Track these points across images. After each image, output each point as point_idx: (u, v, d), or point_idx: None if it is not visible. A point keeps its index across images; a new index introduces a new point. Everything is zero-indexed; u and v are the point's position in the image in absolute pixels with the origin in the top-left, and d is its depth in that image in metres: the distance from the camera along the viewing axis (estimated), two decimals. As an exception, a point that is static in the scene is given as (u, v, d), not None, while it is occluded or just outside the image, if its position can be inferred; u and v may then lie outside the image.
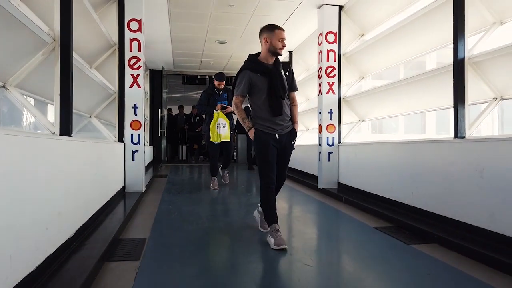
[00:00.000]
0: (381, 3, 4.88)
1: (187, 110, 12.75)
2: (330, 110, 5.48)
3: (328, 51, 5.46)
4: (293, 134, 2.99)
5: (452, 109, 3.19)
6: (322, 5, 5.46)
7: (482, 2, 3.13)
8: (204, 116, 6.09)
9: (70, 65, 2.70)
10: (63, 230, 2.37)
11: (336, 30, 5.50)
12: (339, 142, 5.51)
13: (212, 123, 5.41)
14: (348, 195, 4.71)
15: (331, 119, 5.47)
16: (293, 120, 3.02)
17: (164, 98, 10.37)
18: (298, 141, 3.30)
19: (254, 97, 2.90)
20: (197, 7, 5.68)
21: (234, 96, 2.96)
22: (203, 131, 5.75)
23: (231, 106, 5.41)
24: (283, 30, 2.83)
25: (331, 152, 5.46)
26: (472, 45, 3.17)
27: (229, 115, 5.58)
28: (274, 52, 2.82)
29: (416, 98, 4.29)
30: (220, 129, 5.41)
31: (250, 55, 2.97)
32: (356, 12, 5.42)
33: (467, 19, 3.11)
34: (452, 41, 3.18)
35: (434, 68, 3.88)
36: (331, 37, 5.47)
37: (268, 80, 2.82)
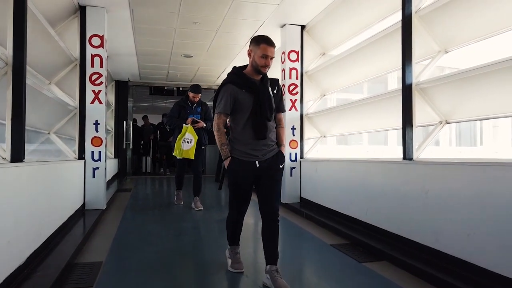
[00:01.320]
0: (340, 25, 5.08)
1: (154, 119, 12.60)
2: (293, 126, 5.61)
3: (290, 69, 5.61)
4: (280, 157, 2.61)
5: (401, 131, 3.37)
6: (285, 25, 5.62)
7: (428, 32, 3.35)
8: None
9: (23, 89, 2.65)
10: (13, 258, 2.32)
11: (298, 49, 5.67)
12: (301, 157, 5.64)
13: (179, 136, 5.07)
14: (309, 211, 4.83)
15: (293, 135, 5.60)
16: (279, 142, 2.67)
17: (130, 110, 10.26)
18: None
19: (236, 116, 2.52)
20: (161, 24, 5.69)
21: (215, 114, 2.55)
22: (171, 144, 5.39)
23: (204, 121, 5.19)
24: (271, 46, 2.41)
25: (294, 168, 5.59)
26: (419, 72, 3.37)
27: (199, 131, 5.16)
28: (256, 69, 2.45)
29: (369, 118, 4.49)
30: (185, 145, 5.03)
31: (234, 67, 2.60)
32: (318, 32, 5.61)
33: (415, 47, 3.31)
34: (401, 68, 3.36)
35: (384, 92, 4.09)
36: (293, 56, 5.63)
37: (254, 97, 2.45)
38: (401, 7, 3.37)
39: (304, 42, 5.73)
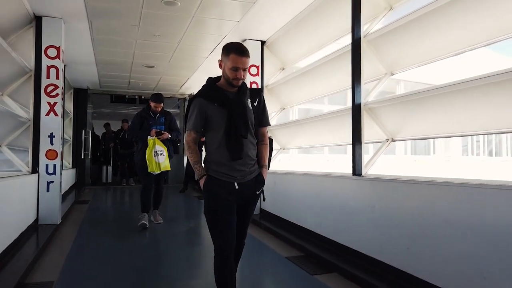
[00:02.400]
0: (298, 42, 5.28)
1: (117, 125, 12.22)
2: (253, 139, 5.72)
3: (251, 83, 5.73)
4: (259, 181, 2.24)
5: (351, 147, 3.56)
6: (245, 40, 5.74)
7: (375, 56, 3.57)
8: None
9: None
10: (-44, 282, 2.26)
11: (259, 63, 5.81)
12: (261, 169, 5.76)
13: (148, 151, 4.66)
14: (268, 222, 4.95)
15: (253, 147, 5.71)
16: (260, 162, 2.28)
17: (89, 118, 10.01)
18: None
19: (209, 133, 2.22)
20: (121, 35, 5.66)
21: (186, 131, 2.27)
22: (135, 159, 5.01)
23: (168, 132, 4.91)
24: (242, 56, 2.09)
25: (254, 180, 5.68)
26: (367, 92, 3.58)
27: (166, 142, 4.88)
28: (228, 81, 2.15)
29: (325, 133, 4.69)
30: (159, 157, 4.69)
31: (209, 79, 2.29)
32: (278, 48, 5.79)
33: (363, 69, 3.51)
34: (351, 88, 3.56)
35: (336, 110, 4.29)
36: (254, 70, 5.76)
37: (227, 113, 2.14)
38: (351, 31, 3.57)
39: (265, 57, 5.89)
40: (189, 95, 11.04)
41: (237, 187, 2.16)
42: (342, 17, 3.99)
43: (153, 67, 7.62)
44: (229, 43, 2.19)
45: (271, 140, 2.43)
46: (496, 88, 2.44)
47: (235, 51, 2.10)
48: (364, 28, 3.57)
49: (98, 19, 4.98)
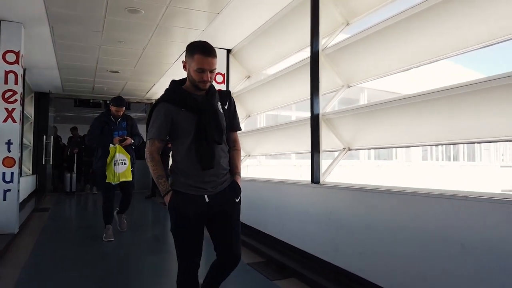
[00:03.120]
0: (263, 52, 5.41)
1: (83, 130, 11.83)
2: (218, 146, 5.78)
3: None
4: (234, 189, 2.09)
5: (310, 156, 3.70)
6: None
7: (333, 68, 3.74)
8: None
9: None
10: None
11: (224, 71, 5.89)
12: (226, 176, 5.83)
13: (108, 159, 4.44)
14: (232, 229, 5.01)
15: (219, 154, 5.78)
16: (233, 170, 2.13)
17: (51, 123, 9.73)
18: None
19: (176, 141, 2.03)
20: (84, 41, 5.58)
21: (147, 140, 2.05)
22: (94, 167, 4.73)
23: (131, 137, 4.65)
24: (208, 56, 1.91)
25: (219, 186, 5.74)
26: (325, 103, 3.75)
27: (128, 148, 4.65)
28: (194, 84, 1.97)
29: (287, 141, 4.83)
30: (118, 167, 4.44)
31: (172, 82, 2.10)
32: (243, 57, 5.89)
33: (322, 81, 3.67)
34: (310, 99, 3.71)
35: (296, 120, 4.44)
36: (219, 78, 5.82)
37: (196, 118, 1.97)
38: (310, 44, 3.73)
39: (230, 65, 5.98)
40: (156, 100, 10.92)
41: (207, 200, 1.99)
42: (304, 30, 4.15)
43: (118, 72, 7.54)
44: (194, 42, 1.99)
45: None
46: (438, 103, 2.64)
47: (200, 51, 1.90)
48: (322, 42, 3.73)
49: (60, 25, 4.90)
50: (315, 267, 3.30)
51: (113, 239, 4.52)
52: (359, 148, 3.78)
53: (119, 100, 4.68)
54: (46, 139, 8.92)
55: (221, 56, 5.85)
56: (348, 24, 3.79)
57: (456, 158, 17.61)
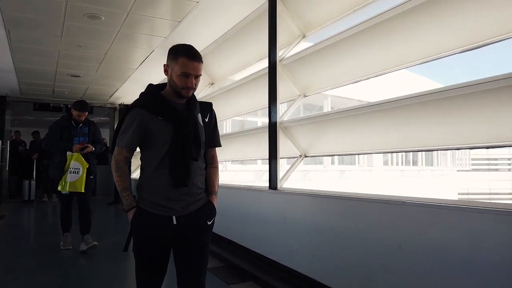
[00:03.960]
0: (226, 59, 5.51)
1: (42, 133, 11.42)
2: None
3: (179, 97, 5.84)
4: (209, 210, 1.88)
5: (268, 163, 3.82)
6: (174, 54, 5.84)
7: (290, 78, 3.89)
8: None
9: None
10: None
11: (187, 78, 5.93)
12: (189, 182, 5.86)
13: (65, 167, 4.17)
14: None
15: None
16: (210, 189, 1.93)
17: (7, 128, 9.38)
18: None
19: (148, 151, 1.83)
20: (43, 45, 5.47)
21: (115, 148, 1.83)
22: (50, 173, 4.41)
23: (92, 144, 4.37)
24: (193, 60, 1.75)
25: (181, 192, 5.77)
26: (282, 112, 3.89)
27: (89, 156, 4.34)
28: (176, 90, 1.78)
29: (249, 147, 4.95)
30: (70, 176, 4.12)
31: (150, 86, 1.89)
32: (207, 63, 5.93)
33: (279, 90, 3.80)
34: (268, 107, 3.83)
35: (255, 127, 4.56)
36: (182, 84, 5.87)
37: (173, 128, 1.77)
38: (268, 54, 3.86)
39: (194, 72, 6.02)
40: (119, 105, 10.80)
41: (175, 222, 1.77)
42: (264, 41, 4.28)
43: (79, 76, 7.40)
44: (178, 45, 1.82)
45: None
46: (385, 113, 2.84)
47: (185, 54, 1.74)
48: (280, 53, 3.88)
49: (17, 28, 4.79)
50: (272, 271, 3.40)
51: (71, 247, 4.36)
52: (315, 155, 3.94)
53: (81, 104, 4.36)
54: (2, 144, 8.58)
55: (184, 62, 5.89)
56: (304, 36, 3.96)
57: (415, 163, 18.42)
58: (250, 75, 4.54)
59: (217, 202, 1.94)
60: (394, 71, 3.10)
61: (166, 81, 1.84)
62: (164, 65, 1.81)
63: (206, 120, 1.93)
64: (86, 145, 4.29)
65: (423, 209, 2.16)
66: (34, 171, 9.65)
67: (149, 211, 1.78)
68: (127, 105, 10.50)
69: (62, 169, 4.19)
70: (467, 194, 22.38)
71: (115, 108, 11.08)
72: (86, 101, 4.54)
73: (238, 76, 5.30)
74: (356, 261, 2.58)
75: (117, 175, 1.81)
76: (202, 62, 1.79)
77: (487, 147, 2.33)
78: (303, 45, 3.88)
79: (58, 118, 4.60)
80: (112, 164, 1.82)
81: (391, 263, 2.32)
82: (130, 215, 1.79)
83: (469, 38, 2.35)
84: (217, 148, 2.02)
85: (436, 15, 2.52)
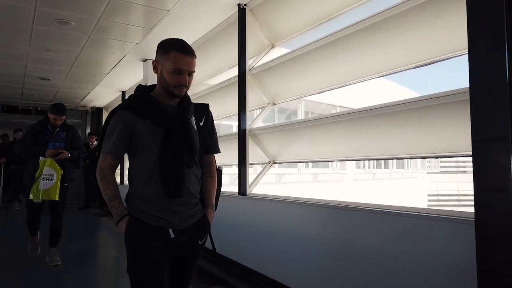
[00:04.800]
0: (199, 65, 5.53)
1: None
2: (153, 157, 5.82)
3: (152, 102, 5.84)
4: (203, 226, 1.73)
5: (237, 169, 3.91)
6: (147, 59, 5.86)
7: (259, 87, 4.00)
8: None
9: None
10: None
11: (160, 83, 5.95)
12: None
13: (37, 173, 3.87)
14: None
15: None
16: (205, 201, 1.77)
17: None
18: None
19: (136, 160, 1.66)
20: (10, 48, 5.36)
21: (101, 155, 1.66)
22: (24, 182, 4.08)
23: (69, 150, 4.07)
24: (186, 54, 1.60)
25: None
26: (256, 117, 4.00)
27: (65, 163, 4.02)
28: (167, 89, 1.62)
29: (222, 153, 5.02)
30: (43, 183, 3.83)
31: (139, 87, 1.75)
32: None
33: (249, 98, 3.91)
34: (237, 115, 3.92)
35: (225, 134, 4.65)
36: (155, 90, 5.89)
37: (164, 133, 1.61)
38: (237, 63, 3.96)
39: (165, 77, 6.04)
40: (91, 108, 10.65)
41: (172, 235, 1.61)
42: (234, 49, 4.38)
43: (49, 79, 7.28)
44: (168, 39, 1.66)
45: (219, 172, 1.91)
46: (345, 124, 2.98)
47: (177, 48, 1.59)
48: (250, 62, 3.98)
49: (-18, 31, 4.70)
50: (242, 275, 3.49)
51: (38, 252, 4.14)
52: (283, 162, 4.06)
53: (58, 108, 4.02)
54: (-34, 148, 8.30)
55: (157, 68, 5.91)
56: (273, 46, 4.09)
57: (387, 166, 18.93)
58: (221, 82, 4.63)
59: (213, 216, 1.78)
60: (356, 83, 3.25)
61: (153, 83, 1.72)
62: (153, 61, 1.65)
63: (201, 124, 1.75)
64: (60, 151, 3.96)
65: (377, 215, 2.30)
66: (2, 176, 9.31)
67: (143, 220, 1.60)
68: (100, 108, 10.40)
69: (34, 176, 3.91)
70: (436, 195, 23.22)
71: (87, 111, 10.92)
72: (58, 103, 4.17)
73: (213, 81, 5.37)
74: (318, 264, 2.70)
75: (102, 184, 1.63)
76: (195, 56, 1.63)
77: (437, 157, 2.51)
78: (273, 54, 4.00)
79: (28, 120, 4.50)
80: (96, 172, 1.65)
81: (348, 265, 2.45)
82: (123, 224, 1.58)
83: (424, 54, 2.51)
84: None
85: (394, 33, 2.69)
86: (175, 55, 1.58)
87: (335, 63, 3.27)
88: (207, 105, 1.86)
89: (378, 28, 2.70)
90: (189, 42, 5.26)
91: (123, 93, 8.30)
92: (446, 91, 2.04)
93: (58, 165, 3.92)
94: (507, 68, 1.51)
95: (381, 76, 3.07)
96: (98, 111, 10.45)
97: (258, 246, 3.40)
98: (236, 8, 3.90)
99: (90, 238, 5.98)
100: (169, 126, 1.62)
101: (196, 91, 5.53)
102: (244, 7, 3.86)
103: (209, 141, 1.80)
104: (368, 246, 2.31)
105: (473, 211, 1.62)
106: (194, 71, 1.64)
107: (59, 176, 3.91)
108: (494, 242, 1.53)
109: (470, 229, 1.63)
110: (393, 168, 18.96)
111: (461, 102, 1.84)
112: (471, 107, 1.61)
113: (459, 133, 2.04)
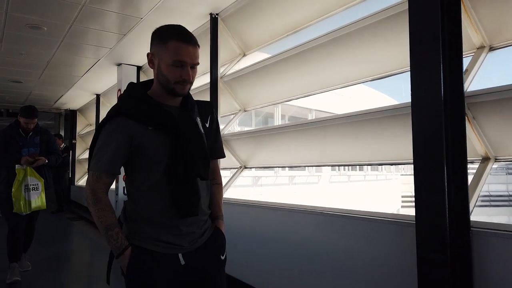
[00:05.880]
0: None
1: None
2: (127, 161, 5.84)
3: (126, 107, 5.87)
4: (219, 241, 1.53)
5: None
6: (121, 64, 5.88)
7: (231, 94, 4.12)
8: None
9: None
10: None
11: (135, 87, 5.97)
12: (116, 194, 5.88)
13: (15, 184, 3.57)
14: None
15: (128, 170, 5.82)
16: (215, 212, 1.56)
17: None
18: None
19: (139, 175, 1.38)
20: (-20, 50, 5.31)
21: (89, 173, 1.37)
22: None
23: (46, 155, 3.82)
24: (189, 43, 1.32)
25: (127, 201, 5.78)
26: (224, 125, 4.11)
27: (42, 169, 3.81)
28: (167, 87, 1.35)
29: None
30: (30, 194, 3.61)
31: (132, 85, 1.47)
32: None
33: (220, 105, 4.02)
34: (210, 121, 4.03)
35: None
36: (129, 94, 5.91)
37: (170, 141, 1.35)
38: (209, 71, 4.07)
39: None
40: (65, 110, 10.50)
41: (183, 262, 1.37)
42: (207, 57, 4.48)
43: (21, 82, 7.18)
44: (164, 26, 1.38)
45: None
46: (308, 132, 3.14)
47: (177, 36, 1.31)
48: (222, 70, 4.10)
49: (-49, 34, 4.63)
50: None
51: (19, 279, 3.61)
52: (253, 167, 4.20)
53: (29, 111, 3.76)
54: None
55: (131, 72, 5.95)
56: (245, 55, 4.21)
57: (361, 168, 19.39)
58: (193, 89, 4.71)
59: (224, 225, 1.57)
60: (320, 92, 3.42)
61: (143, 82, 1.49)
62: (148, 54, 1.38)
63: (207, 125, 1.50)
64: (37, 157, 3.70)
65: (338, 219, 2.46)
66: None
67: (148, 248, 1.33)
68: (74, 110, 10.27)
69: (9, 185, 3.60)
70: (410, 196, 23.90)
71: (60, 114, 10.78)
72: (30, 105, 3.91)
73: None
74: (282, 264, 2.84)
75: (96, 209, 1.31)
76: (198, 46, 1.36)
77: (384, 164, 2.69)
78: (244, 62, 4.13)
79: (1, 121, 4.26)
80: (86, 194, 1.34)
81: (308, 264, 2.60)
82: (125, 259, 1.30)
83: (377, 69, 2.70)
84: None
85: (353, 47, 2.87)
86: (175, 45, 1.30)
87: (301, 72, 3.42)
88: (210, 104, 1.59)
89: (339, 42, 2.87)
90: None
91: (98, 96, 8.25)
92: (391, 105, 2.22)
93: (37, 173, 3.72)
94: (441, 87, 1.69)
95: (342, 87, 3.24)
96: (72, 113, 10.33)
97: (228, 249, 3.49)
98: (209, 17, 4.01)
99: (63, 242, 5.93)
100: (178, 132, 1.35)
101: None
102: (216, 16, 3.98)
103: (214, 145, 1.55)
104: (327, 248, 2.46)
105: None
106: (198, 63, 1.36)
107: (43, 184, 3.77)
108: (430, 242, 1.70)
109: (412, 230, 1.80)
110: (367, 170, 19.43)
111: (406, 115, 2.02)
112: (412, 121, 1.78)
113: (406, 143, 2.22)
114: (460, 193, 1.69)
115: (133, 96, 1.39)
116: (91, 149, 1.39)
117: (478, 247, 1.68)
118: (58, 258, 4.83)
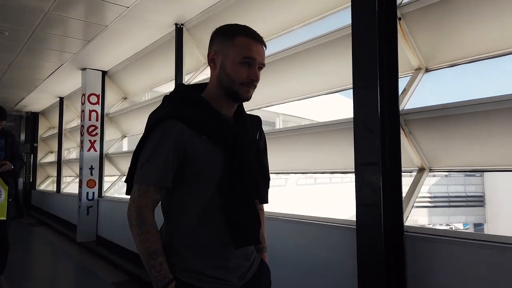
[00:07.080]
0: (138, 77, 5.66)
1: None
2: (91, 166, 5.81)
3: (90, 111, 5.84)
4: (265, 275, 1.33)
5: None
6: (85, 69, 5.84)
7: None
8: None
9: None
10: None
11: (99, 92, 5.95)
12: (99, 196, 5.87)
13: None
14: (104, 249, 5.11)
15: (91, 174, 5.80)
16: (260, 242, 1.30)
17: None
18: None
19: (184, 192, 1.17)
20: None
21: (134, 186, 1.15)
22: None
23: (10, 160, 3.55)
24: (259, 41, 1.18)
25: (91, 206, 5.75)
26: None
27: (5, 175, 3.50)
28: (230, 89, 1.18)
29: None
30: None
31: (184, 87, 1.31)
32: (119, 79, 6.04)
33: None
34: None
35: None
36: (93, 99, 5.89)
37: (225, 154, 1.17)
38: (174, 79, 4.15)
39: (106, 86, 6.06)
40: (26, 113, 10.20)
41: None
42: (172, 64, 4.57)
43: (-20, 84, 6.96)
44: (229, 24, 1.25)
45: None
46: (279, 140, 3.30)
47: (246, 32, 1.19)
48: (187, 77, 4.20)
49: None
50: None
51: None
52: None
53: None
54: None
55: (96, 77, 5.93)
56: (209, 64, 4.33)
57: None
58: (159, 96, 4.79)
59: (267, 255, 1.39)
60: (289, 102, 3.57)
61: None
62: (210, 53, 1.21)
63: (257, 137, 1.34)
64: (3, 162, 3.45)
65: (292, 224, 2.62)
66: None
67: (193, 284, 1.14)
68: (36, 112, 9.98)
69: None
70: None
71: (21, 116, 10.46)
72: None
73: (151, 95, 5.50)
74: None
75: (140, 232, 1.10)
76: (266, 47, 1.23)
77: (327, 172, 2.88)
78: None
79: None
80: (130, 213, 1.13)
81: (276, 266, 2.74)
82: None
83: (330, 83, 2.90)
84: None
85: (311, 62, 3.06)
86: (244, 41, 1.16)
87: (264, 84, 3.57)
88: (259, 119, 1.39)
89: (298, 57, 3.05)
90: (127, 55, 5.40)
91: (61, 99, 8.10)
92: (334, 120, 2.42)
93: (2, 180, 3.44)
94: (378, 105, 1.89)
95: (299, 100, 3.42)
96: (34, 116, 10.05)
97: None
98: (174, 27, 4.10)
99: (24, 249, 5.80)
100: (235, 146, 1.17)
101: (139, 101, 5.63)
102: (181, 26, 4.08)
103: (262, 164, 1.30)
104: (286, 251, 2.62)
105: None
106: (264, 65, 1.21)
107: (7, 192, 3.44)
108: (368, 246, 1.90)
109: (353, 234, 1.99)
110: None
111: (350, 129, 2.21)
112: (354, 136, 1.97)
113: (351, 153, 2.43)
114: (395, 200, 1.90)
115: (190, 97, 1.21)
116: (135, 157, 1.17)
117: (411, 249, 1.89)
118: (20, 265, 4.75)
